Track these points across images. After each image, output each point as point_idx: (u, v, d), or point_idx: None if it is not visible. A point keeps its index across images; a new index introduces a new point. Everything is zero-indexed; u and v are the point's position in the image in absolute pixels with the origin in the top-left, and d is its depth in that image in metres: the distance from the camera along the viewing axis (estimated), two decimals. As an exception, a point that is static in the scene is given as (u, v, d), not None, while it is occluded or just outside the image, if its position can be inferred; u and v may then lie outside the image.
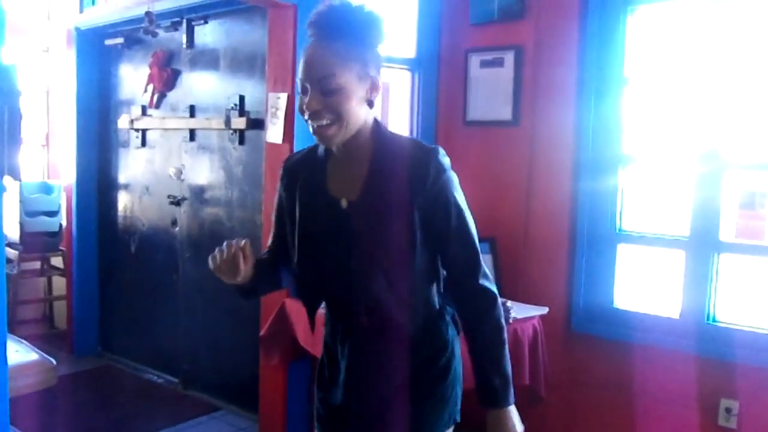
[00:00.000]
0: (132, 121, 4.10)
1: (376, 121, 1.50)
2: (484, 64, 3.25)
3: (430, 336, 1.55)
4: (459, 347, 1.60)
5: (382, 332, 1.51)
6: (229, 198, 3.58)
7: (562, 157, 3.04)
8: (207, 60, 3.69)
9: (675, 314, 2.82)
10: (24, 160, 2.15)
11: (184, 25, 3.74)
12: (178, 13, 3.70)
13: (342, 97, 1.39)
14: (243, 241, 1.45)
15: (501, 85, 3.19)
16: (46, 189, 4.67)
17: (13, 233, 4.45)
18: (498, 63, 3.20)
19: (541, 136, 3.11)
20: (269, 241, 1.68)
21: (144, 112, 4.07)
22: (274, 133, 2.93)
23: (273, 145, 2.98)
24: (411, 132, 3.42)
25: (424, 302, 1.53)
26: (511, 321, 2.69)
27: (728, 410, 2.67)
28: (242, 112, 3.42)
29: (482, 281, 1.50)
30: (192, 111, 3.77)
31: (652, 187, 3.20)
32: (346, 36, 1.40)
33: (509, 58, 3.15)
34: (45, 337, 4.60)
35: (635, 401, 2.84)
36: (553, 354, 2.91)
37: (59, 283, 4.79)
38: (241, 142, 3.47)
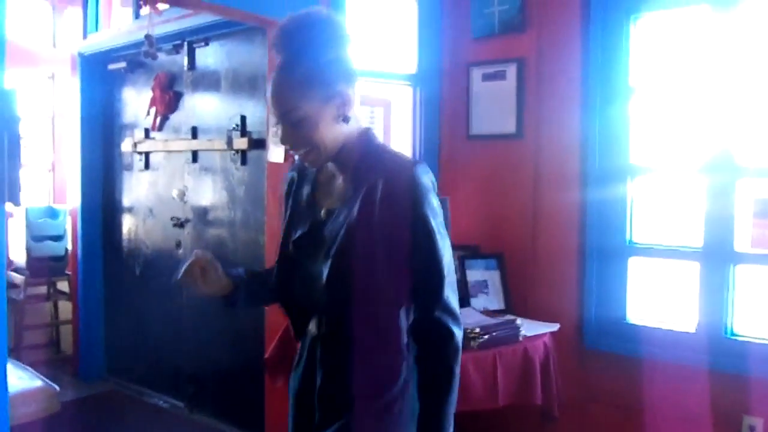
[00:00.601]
0: (135, 144, 4.09)
1: (365, 132, 1.45)
2: (486, 77, 3.21)
3: (384, 360, 1.41)
4: (415, 390, 1.44)
5: (334, 346, 1.43)
6: (232, 219, 3.55)
7: (569, 169, 2.99)
8: (208, 81, 3.68)
9: (691, 328, 2.75)
10: (26, 185, 2.13)
11: (186, 47, 3.74)
12: (180, 35, 3.70)
13: (309, 126, 1.36)
14: (201, 255, 1.45)
15: (504, 98, 3.15)
16: (52, 213, 4.67)
17: (19, 258, 4.45)
18: (500, 76, 3.16)
19: (547, 148, 3.05)
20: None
21: (147, 135, 4.06)
22: (276, 152, 2.90)
23: (275, 165, 2.95)
24: (413, 148, 3.38)
25: (386, 326, 1.41)
26: (521, 339, 2.63)
27: (752, 428, 2.57)
28: (244, 132, 3.40)
29: (439, 313, 1.37)
30: (194, 132, 3.75)
31: (663, 197, 3.13)
32: (305, 54, 1.36)
33: (511, 70, 3.11)
34: (51, 362, 4.57)
35: (651, 419, 2.75)
36: (566, 371, 2.83)
37: (65, 308, 4.76)
38: (244, 162, 3.44)
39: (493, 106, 3.19)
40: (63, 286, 4.72)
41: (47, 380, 2.84)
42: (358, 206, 1.37)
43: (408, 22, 3.34)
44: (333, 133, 1.38)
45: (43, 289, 4.70)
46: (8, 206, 2.07)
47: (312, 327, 1.49)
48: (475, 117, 3.26)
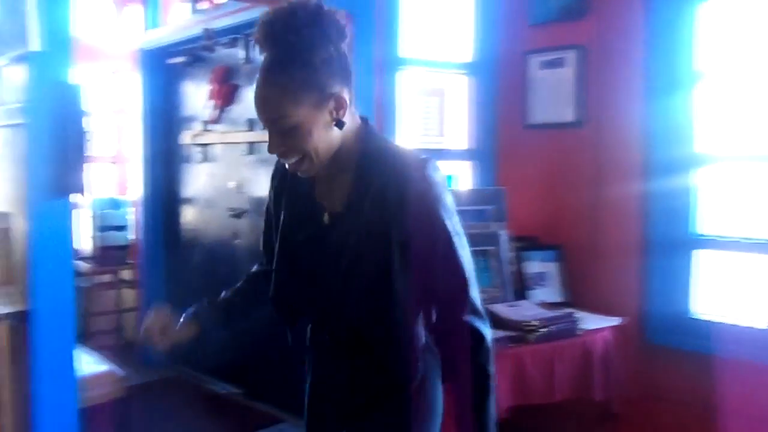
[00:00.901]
0: (194, 137, 4.17)
1: (364, 127, 1.35)
2: (544, 65, 3.14)
3: (402, 365, 1.35)
4: (439, 384, 1.42)
5: (349, 354, 1.37)
6: (288, 210, 3.57)
7: (631, 159, 2.89)
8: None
9: (763, 324, 2.63)
10: (92, 177, 2.20)
11: (243, 40, 3.78)
12: (237, 29, 3.74)
13: (301, 133, 1.23)
14: (158, 313, 1.42)
15: (562, 86, 3.08)
16: (116, 205, 4.81)
17: (86, 248, 4.61)
18: (558, 63, 3.09)
19: (607, 137, 2.96)
20: (259, 263, 1.56)
21: (205, 128, 4.13)
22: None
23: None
24: (469, 137, 3.33)
25: (404, 332, 1.33)
26: (578, 333, 2.57)
27: (825, 428, 2.45)
28: (299, 123, 3.42)
29: (468, 317, 1.29)
30: (251, 124, 3.79)
31: (732, 187, 3.00)
32: (296, 53, 1.21)
33: (570, 58, 3.03)
34: (116, 348, 4.72)
35: (718, 418, 2.64)
36: (626, 367, 2.75)
37: (128, 296, 4.91)
38: (299, 153, 3.45)
39: (551, 94, 3.11)
40: (126, 275, 4.87)
41: (113, 365, 2.94)
42: (369, 212, 1.28)
43: (464, 9, 3.29)
44: (327, 139, 1.26)
45: (107, 278, 4.85)
46: (76, 197, 2.16)
47: (316, 336, 1.45)
48: (532, 106, 3.19)
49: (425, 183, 1.27)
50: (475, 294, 1.33)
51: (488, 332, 1.33)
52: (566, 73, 3.06)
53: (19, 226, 2.10)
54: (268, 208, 1.48)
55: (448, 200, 1.32)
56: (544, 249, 3.08)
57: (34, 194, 2.04)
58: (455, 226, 1.32)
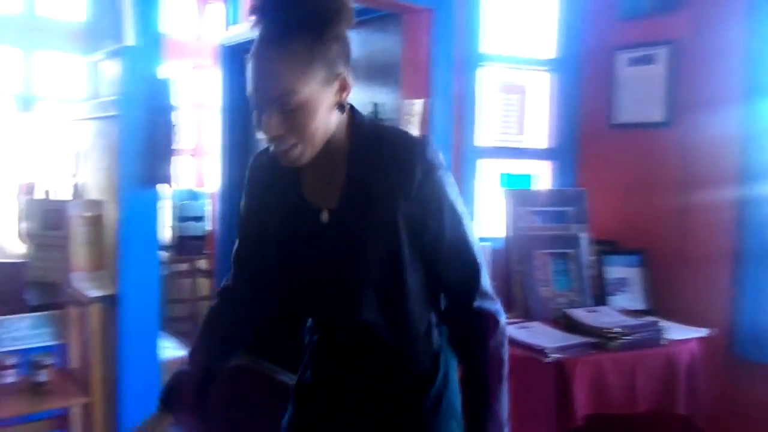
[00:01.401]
0: (272, 131, 4.23)
1: (352, 113, 1.24)
2: (633, 61, 3.02)
3: (422, 361, 1.30)
4: (456, 378, 1.35)
5: (365, 353, 1.30)
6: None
7: (725, 162, 2.74)
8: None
9: None
10: (177, 169, 2.27)
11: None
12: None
13: (307, 114, 1.12)
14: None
15: (652, 84, 2.95)
16: (194, 196, 4.95)
17: (166, 237, 4.76)
18: (648, 60, 2.96)
19: (700, 138, 2.82)
20: (228, 278, 1.42)
21: (283, 122, 4.18)
22: (410, 139, 2.88)
23: (407, 152, 2.93)
24: (550, 136, 3.25)
25: (419, 324, 1.28)
26: (663, 343, 2.47)
27: None
28: (377, 120, 3.42)
29: (480, 302, 1.25)
30: (328, 119, 3.82)
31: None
32: (304, 25, 1.10)
33: (662, 54, 2.90)
34: (191, 335, 4.84)
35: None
36: (713, 381, 2.62)
37: (203, 285, 5.05)
38: (376, 149, 3.45)
39: (640, 92, 2.99)
40: (202, 264, 5.01)
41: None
42: (371, 202, 1.20)
43: (548, 3, 3.20)
44: (327, 123, 1.16)
45: (185, 267, 5.01)
46: (163, 188, 2.22)
47: (325, 339, 1.36)
48: (618, 104, 3.08)
49: (427, 165, 1.19)
50: (486, 276, 1.27)
51: (503, 316, 1.28)
52: (656, 70, 2.93)
53: (110, 214, 2.18)
54: (243, 218, 1.37)
55: (450, 180, 1.24)
56: (627, 254, 2.97)
57: (124, 183, 2.11)
58: (461, 207, 1.25)
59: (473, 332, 1.26)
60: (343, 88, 1.17)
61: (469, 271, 1.25)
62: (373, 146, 1.21)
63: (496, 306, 1.28)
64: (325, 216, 1.24)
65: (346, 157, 1.22)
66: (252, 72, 1.13)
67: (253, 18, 1.13)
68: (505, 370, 1.27)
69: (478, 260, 1.25)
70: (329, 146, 1.19)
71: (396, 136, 1.25)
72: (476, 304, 1.25)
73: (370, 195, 1.20)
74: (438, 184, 1.20)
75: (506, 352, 1.27)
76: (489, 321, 1.25)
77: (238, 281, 1.40)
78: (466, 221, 1.25)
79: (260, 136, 1.15)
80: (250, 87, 1.13)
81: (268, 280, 1.37)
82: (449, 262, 1.24)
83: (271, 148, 1.17)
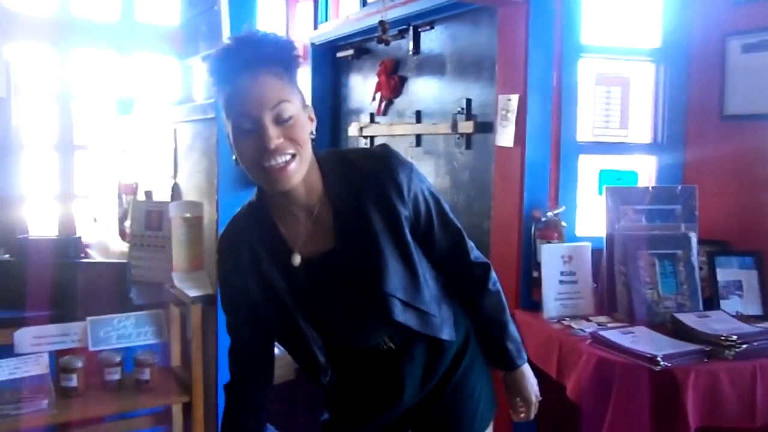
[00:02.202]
0: (361, 129, 4.23)
1: (312, 150, 1.30)
2: (748, 48, 2.80)
3: (446, 333, 1.46)
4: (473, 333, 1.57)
5: (417, 344, 1.44)
6: (454, 203, 3.52)
7: None
8: (433, 65, 3.67)
9: None
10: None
11: (411, 32, 3.77)
12: (405, 20, 3.74)
13: (299, 126, 1.23)
14: None
15: (769, 72, 2.73)
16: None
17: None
18: (766, 46, 2.74)
19: (824, 130, 2.60)
20: (236, 369, 1.47)
21: (372, 120, 4.18)
22: (505, 136, 2.79)
23: (503, 149, 2.84)
24: (655, 130, 3.07)
25: (439, 305, 1.46)
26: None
27: None
28: (469, 116, 3.34)
29: (473, 255, 1.49)
30: (418, 116, 3.78)
31: None
32: (275, 60, 1.22)
33: (781, 39, 2.68)
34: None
35: None
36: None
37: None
38: (468, 146, 3.38)
39: (755, 81, 2.77)
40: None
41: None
42: (372, 222, 1.30)
43: (652, -9, 3.03)
44: (308, 148, 1.26)
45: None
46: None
47: (386, 347, 1.43)
48: (731, 95, 2.86)
49: (403, 168, 1.34)
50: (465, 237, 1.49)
51: (485, 258, 1.53)
52: (774, 58, 2.72)
53: (209, 215, 2.21)
54: (229, 293, 1.41)
55: (419, 171, 1.40)
56: (740, 255, 2.77)
57: (223, 185, 2.13)
58: (432, 188, 1.43)
59: (474, 280, 1.50)
60: (311, 119, 1.29)
61: (456, 238, 1.46)
62: (346, 172, 1.32)
63: (479, 254, 1.52)
64: (323, 255, 1.32)
65: (323, 194, 1.31)
66: (242, 92, 1.19)
67: (225, 63, 1.22)
68: (504, 298, 1.55)
69: (458, 226, 1.48)
70: (308, 186, 1.28)
71: (363, 155, 1.38)
72: (472, 257, 1.49)
73: (364, 215, 1.30)
74: (417, 180, 1.36)
75: (498, 283, 1.54)
76: (484, 267, 1.51)
77: (239, 370, 1.46)
78: (440, 200, 1.44)
79: (257, 160, 1.20)
80: (240, 108, 1.19)
81: (273, 344, 1.47)
82: (441, 238, 1.43)
83: (265, 170, 1.21)
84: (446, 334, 1.45)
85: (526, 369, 1.60)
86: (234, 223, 1.39)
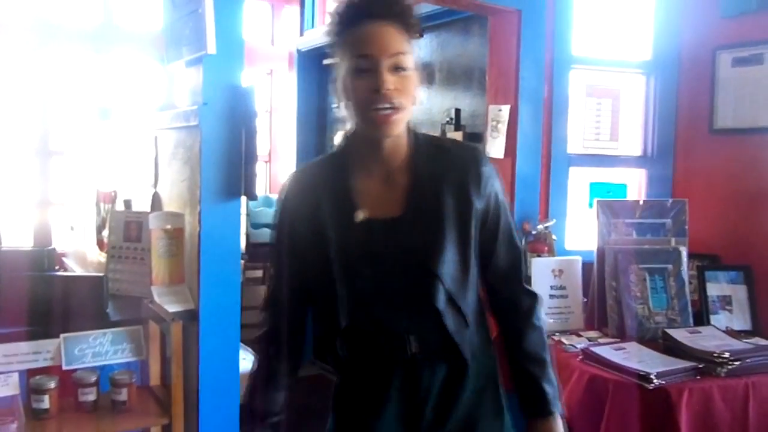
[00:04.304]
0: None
1: (408, 125, 1.35)
2: (738, 62, 2.80)
3: (483, 349, 1.42)
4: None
5: (442, 357, 1.35)
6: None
7: None
8: (421, 74, 3.63)
9: None
10: (257, 177, 2.21)
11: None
12: (394, 28, 3.69)
13: (411, 80, 1.27)
14: None
15: (758, 85, 2.73)
16: (269, 202, 4.94)
17: (240, 244, 4.77)
18: (755, 60, 2.74)
19: (814, 145, 2.59)
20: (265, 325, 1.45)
21: (358, 128, 4.13)
22: (496, 147, 2.76)
23: (494, 160, 2.80)
24: (645, 143, 3.06)
25: (474, 322, 1.38)
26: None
27: None
28: (458, 125, 3.30)
29: (525, 284, 1.45)
30: (405, 126, 3.73)
31: None
32: (400, 20, 1.27)
33: (771, 53, 2.68)
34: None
35: None
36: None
37: (277, 293, 5.03)
38: (456, 157, 3.34)
39: (745, 95, 2.77)
40: (276, 271, 4.99)
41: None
42: (445, 203, 1.31)
43: (644, 2, 3.01)
44: (411, 107, 1.29)
45: (259, 273, 5.01)
46: (245, 198, 2.17)
47: (414, 347, 1.34)
48: (720, 108, 2.86)
49: (489, 168, 1.37)
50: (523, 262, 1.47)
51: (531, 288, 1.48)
52: (764, 71, 2.72)
53: (191, 227, 2.14)
54: (280, 238, 1.41)
55: (500, 179, 1.41)
56: (729, 269, 2.75)
57: (205, 195, 2.06)
58: (507, 204, 1.43)
59: (522, 309, 1.43)
60: (420, 82, 1.32)
61: (515, 260, 1.43)
62: (434, 152, 1.35)
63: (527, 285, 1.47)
64: (387, 218, 1.31)
65: (407, 161, 1.33)
66: (366, 35, 1.25)
67: (351, 10, 1.28)
68: (547, 340, 1.47)
69: (520, 248, 1.45)
70: (393, 146, 1.31)
71: (455, 143, 1.45)
72: (524, 284, 1.45)
73: (441, 195, 1.31)
74: (497, 183, 1.38)
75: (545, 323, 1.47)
76: (533, 297, 1.45)
77: (276, 320, 1.44)
78: (510, 216, 1.43)
79: (370, 99, 1.23)
80: (361, 49, 1.24)
81: (312, 303, 1.43)
82: (501, 253, 1.40)
83: (374, 112, 1.24)
84: (469, 356, 1.37)
85: (559, 420, 1.45)
86: (305, 169, 1.43)
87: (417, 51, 1.31)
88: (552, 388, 1.43)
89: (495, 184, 1.37)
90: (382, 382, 1.37)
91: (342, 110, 1.31)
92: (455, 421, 1.37)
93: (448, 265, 1.30)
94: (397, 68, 1.25)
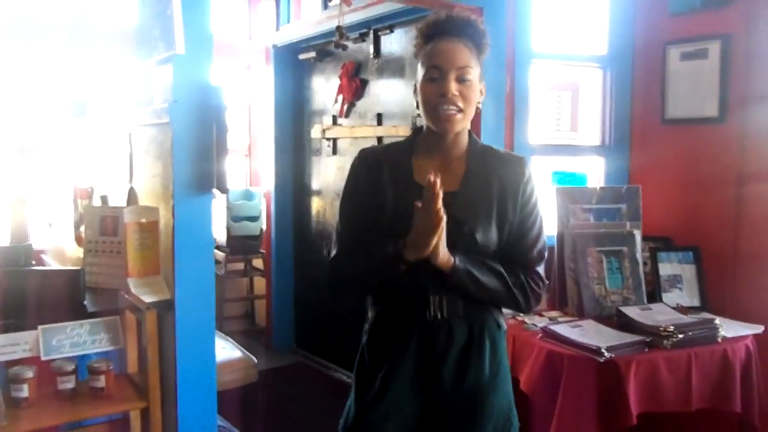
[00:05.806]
0: (324, 131, 4.28)
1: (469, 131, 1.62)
2: (685, 56, 2.94)
3: (498, 323, 1.63)
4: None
5: (462, 321, 1.57)
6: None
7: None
8: (393, 68, 3.74)
9: None
10: (230, 170, 2.28)
11: (371, 35, 3.82)
12: (366, 24, 3.79)
13: (473, 90, 1.52)
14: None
15: (704, 78, 2.87)
16: (249, 196, 5.04)
17: (221, 237, 4.87)
18: (701, 55, 2.88)
19: (754, 133, 2.74)
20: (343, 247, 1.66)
21: (334, 122, 4.23)
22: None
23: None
24: (603, 133, 3.19)
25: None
26: (719, 340, 2.41)
27: None
28: (426, 118, 3.41)
29: (539, 267, 1.61)
30: (379, 119, 3.84)
31: None
32: (472, 40, 1.54)
33: (714, 48, 2.82)
34: (247, 333, 4.98)
35: None
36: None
37: (259, 283, 5.14)
38: (425, 148, 3.45)
39: (692, 87, 2.92)
40: (257, 263, 5.10)
41: (246, 351, 3.07)
42: (490, 193, 1.56)
43: (598, 0, 3.14)
44: (471, 114, 1.55)
45: (240, 266, 5.11)
46: (217, 192, 2.26)
47: (436, 313, 1.56)
48: (671, 99, 3.00)
49: (531, 174, 1.62)
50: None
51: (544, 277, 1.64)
52: (709, 65, 2.85)
53: (165, 220, 2.22)
54: (347, 199, 1.66)
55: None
56: (680, 250, 2.90)
57: (178, 189, 2.13)
58: (542, 216, 1.65)
59: (531, 290, 1.60)
60: (482, 92, 1.58)
61: (537, 243, 1.61)
62: (488, 153, 1.62)
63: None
64: (443, 194, 1.46)
65: (465, 155, 1.59)
66: (441, 49, 1.51)
67: (433, 29, 1.55)
68: (513, 296, 1.58)
69: (545, 242, 1.64)
70: (456, 142, 1.58)
71: (506, 151, 1.70)
72: (538, 268, 1.61)
73: (489, 185, 1.57)
74: (535, 189, 1.62)
75: (528, 300, 1.60)
76: (540, 281, 1.61)
77: (344, 250, 1.67)
78: (542, 219, 1.64)
79: (434, 102, 1.50)
80: (435, 60, 1.51)
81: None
82: (527, 246, 1.60)
83: (439, 112, 1.50)
84: (485, 324, 1.59)
85: (456, 267, 1.52)
86: (378, 147, 1.78)
87: (480, 63, 1.55)
88: (477, 269, 1.52)
89: (535, 192, 1.62)
90: (401, 340, 1.59)
91: (418, 109, 1.57)
92: (468, 386, 1.56)
93: (486, 235, 1.54)
94: (463, 79, 1.50)
